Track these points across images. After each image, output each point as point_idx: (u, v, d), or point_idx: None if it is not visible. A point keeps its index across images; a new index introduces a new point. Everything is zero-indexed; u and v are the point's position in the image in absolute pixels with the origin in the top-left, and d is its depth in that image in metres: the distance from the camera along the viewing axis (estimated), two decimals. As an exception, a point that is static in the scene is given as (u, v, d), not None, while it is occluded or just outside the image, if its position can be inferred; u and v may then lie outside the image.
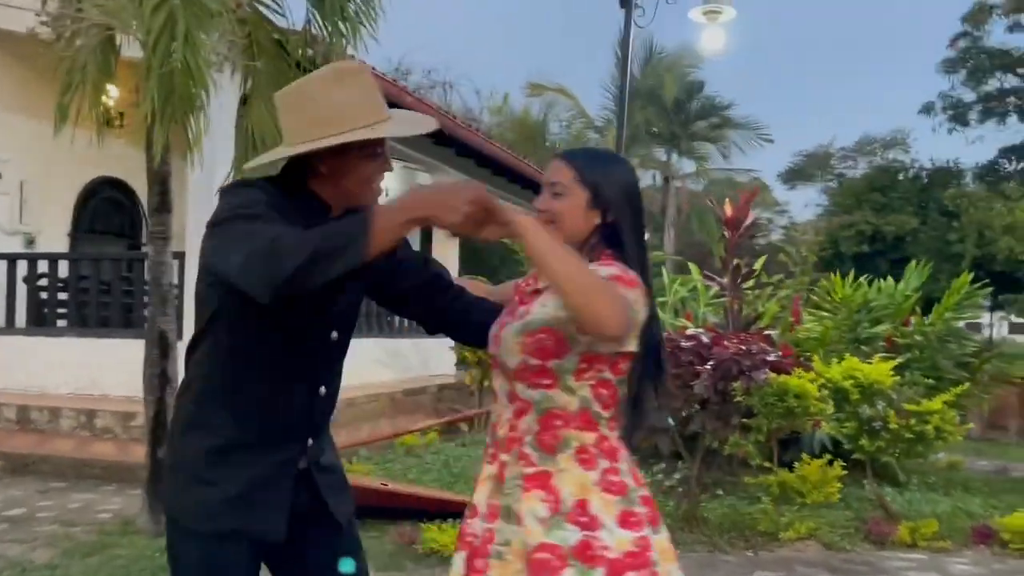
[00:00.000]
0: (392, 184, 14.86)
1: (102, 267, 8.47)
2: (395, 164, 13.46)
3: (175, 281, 8.10)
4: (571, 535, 1.60)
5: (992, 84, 22.25)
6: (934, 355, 6.64)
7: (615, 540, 1.60)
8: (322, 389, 1.86)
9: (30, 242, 9.54)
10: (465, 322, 1.97)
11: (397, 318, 11.45)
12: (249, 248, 1.52)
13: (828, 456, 5.32)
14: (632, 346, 1.68)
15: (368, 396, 9.06)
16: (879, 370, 5.20)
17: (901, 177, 22.09)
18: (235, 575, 1.79)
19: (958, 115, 22.38)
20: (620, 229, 1.75)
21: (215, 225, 1.66)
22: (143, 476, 4.97)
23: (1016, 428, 10.81)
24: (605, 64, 22.32)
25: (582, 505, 1.62)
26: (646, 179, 23.00)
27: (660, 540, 1.67)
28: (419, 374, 11.23)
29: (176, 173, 7.80)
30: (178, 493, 1.79)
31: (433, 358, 11.78)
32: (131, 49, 4.80)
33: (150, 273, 4.94)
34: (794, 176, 34.01)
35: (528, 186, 14.15)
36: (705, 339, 5.25)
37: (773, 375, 4.87)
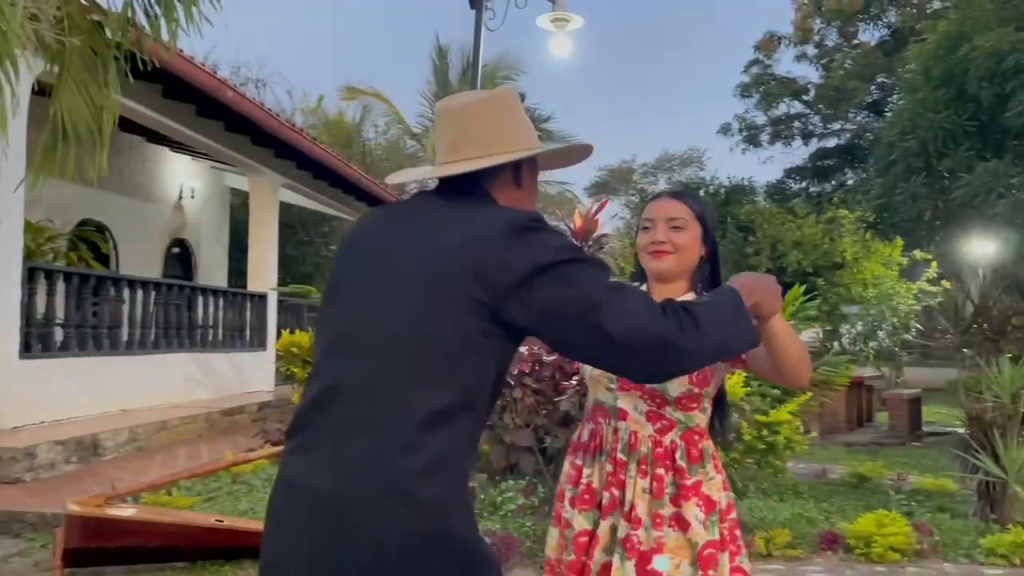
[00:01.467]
0: (198, 184, 13.87)
1: None
2: (204, 164, 12.57)
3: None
4: (721, 529, 1.98)
5: (781, 109, 24.05)
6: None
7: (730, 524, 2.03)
8: None
9: None
10: None
11: (212, 330, 10.59)
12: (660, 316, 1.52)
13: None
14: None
15: (183, 417, 8.27)
16: (730, 382, 5.26)
17: (702, 193, 23.32)
18: None
19: (751, 136, 23.98)
20: (716, 261, 2.12)
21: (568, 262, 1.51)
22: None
23: (818, 431, 11.56)
24: (422, 71, 22.05)
25: (729, 505, 2.04)
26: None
27: None
28: (236, 391, 10.45)
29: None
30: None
31: (250, 374, 11.02)
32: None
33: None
34: (600, 189, 35.28)
35: (350, 190, 13.62)
36: (567, 354, 5.10)
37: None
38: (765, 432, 5.05)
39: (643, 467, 1.99)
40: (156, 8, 4.48)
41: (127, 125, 9.96)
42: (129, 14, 4.58)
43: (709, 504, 1.96)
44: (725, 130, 24.06)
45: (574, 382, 4.80)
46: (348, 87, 21.56)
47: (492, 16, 6.41)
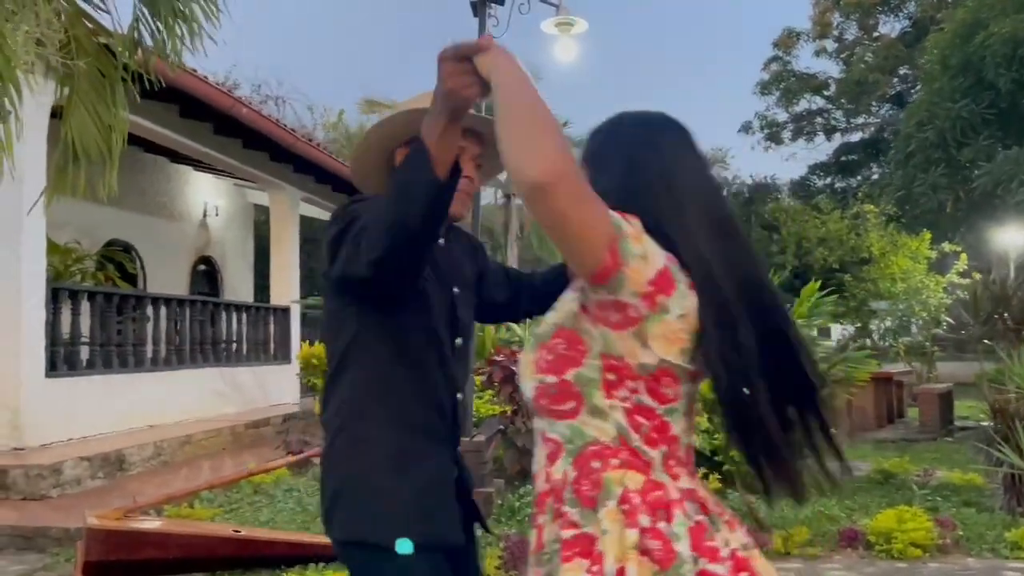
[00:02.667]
0: (222, 202, 14.05)
1: None
2: (227, 182, 12.69)
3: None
4: None
5: (802, 105, 23.90)
6: (788, 363, 6.78)
7: None
8: (460, 396, 1.83)
9: None
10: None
11: (236, 345, 10.73)
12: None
13: (703, 471, 5.28)
14: (665, 351, 1.27)
15: (207, 431, 8.38)
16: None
17: (726, 192, 23.26)
18: None
19: (773, 134, 23.85)
20: None
21: None
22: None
23: (845, 428, 11.41)
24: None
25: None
26: (487, 197, 22.98)
27: None
28: (260, 405, 10.55)
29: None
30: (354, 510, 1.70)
31: (274, 386, 11.12)
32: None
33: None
34: (623, 192, 35.24)
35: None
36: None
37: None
38: (780, 429, 5.00)
39: (534, 512, 1.37)
40: (159, 28, 4.55)
41: (150, 145, 10.14)
42: (135, 36, 4.67)
43: (600, 573, 1.20)
44: (746, 128, 23.94)
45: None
46: (367, 100, 21.73)
47: (496, 23, 6.44)
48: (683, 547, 1.21)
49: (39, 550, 5.18)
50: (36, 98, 5.15)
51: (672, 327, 1.27)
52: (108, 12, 4.63)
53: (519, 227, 20.65)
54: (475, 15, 6.35)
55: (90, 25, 4.62)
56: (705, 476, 5.18)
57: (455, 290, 1.83)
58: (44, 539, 5.23)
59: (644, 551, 1.20)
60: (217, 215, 14.02)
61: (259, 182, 11.89)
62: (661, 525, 1.22)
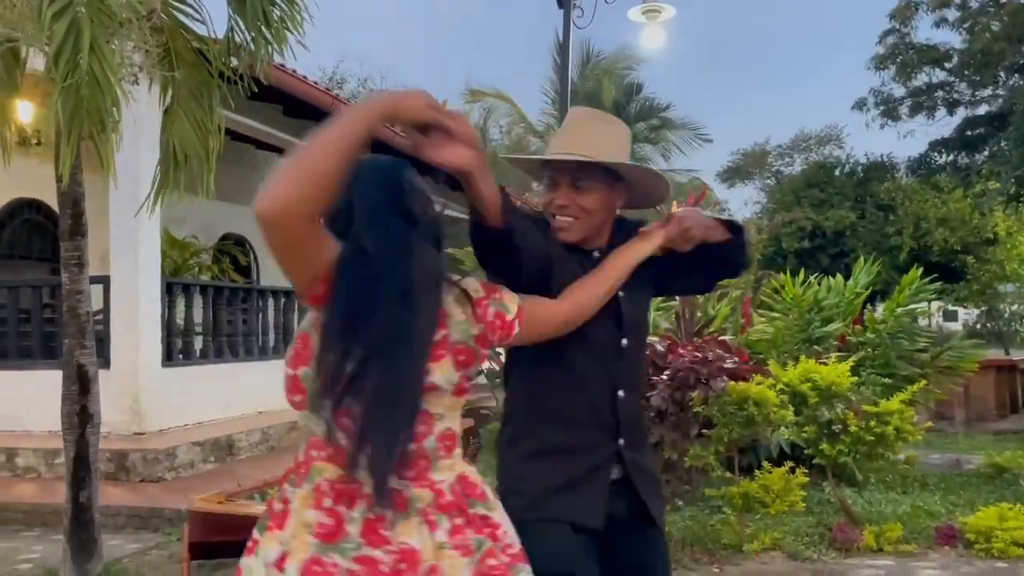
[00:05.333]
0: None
1: (21, 295, 7.98)
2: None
3: (97, 308, 7.74)
4: None
5: (921, 79, 22.65)
6: (887, 352, 6.57)
7: None
8: (620, 393, 1.96)
9: (-58, 271, 8.99)
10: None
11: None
12: None
13: (790, 463, 5.18)
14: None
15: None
16: (836, 372, 5.08)
17: (838, 172, 22.36)
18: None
19: (889, 110, 22.69)
20: None
21: None
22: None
23: (962, 418, 10.90)
24: (543, 69, 22.18)
25: None
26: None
27: None
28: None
29: (99, 192, 7.45)
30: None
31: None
32: (41, 62, 4.45)
33: (65, 302, 4.57)
34: (733, 175, 34.36)
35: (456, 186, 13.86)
36: (660, 347, 5.08)
37: (731, 383, 4.71)
38: (873, 423, 4.84)
39: None
40: (248, 35, 4.76)
41: (261, 144, 10.58)
42: (229, 43, 4.91)
43: None
44: (860, 105, 22.85)
45: (664, 376, 4.78)
46: (472, 90, 21.98)
47: (581, 14, 6.44)
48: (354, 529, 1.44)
49: (154, 529, 5.55)
50: (147, 107, 5.49)
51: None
52: (203, 22, 4.88)
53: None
54: (560, 6, 6.37)
55: (189, 37, 4.88)
56: (792, 470, 5.08)
57: (620, 292, 1.95)
58: (158, 519, 5.59)
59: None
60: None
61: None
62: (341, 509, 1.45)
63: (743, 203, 47.52)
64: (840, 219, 20.20)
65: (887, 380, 5.89)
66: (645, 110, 21.95)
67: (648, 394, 4.84)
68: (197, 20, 4.93)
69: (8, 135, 5.11)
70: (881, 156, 22.21)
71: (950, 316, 37.71)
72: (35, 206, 9.98)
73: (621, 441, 1.95)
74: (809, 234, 20.46)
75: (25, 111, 6.20)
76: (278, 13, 4.83)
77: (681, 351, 4.96)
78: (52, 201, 9.56)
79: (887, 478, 6.51)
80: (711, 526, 5.10)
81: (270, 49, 4.95)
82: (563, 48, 6.27)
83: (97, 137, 3.98)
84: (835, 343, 6.64)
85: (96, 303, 7.78)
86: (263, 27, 4.70)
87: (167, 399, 7.46)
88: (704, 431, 4.92)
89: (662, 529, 2.04)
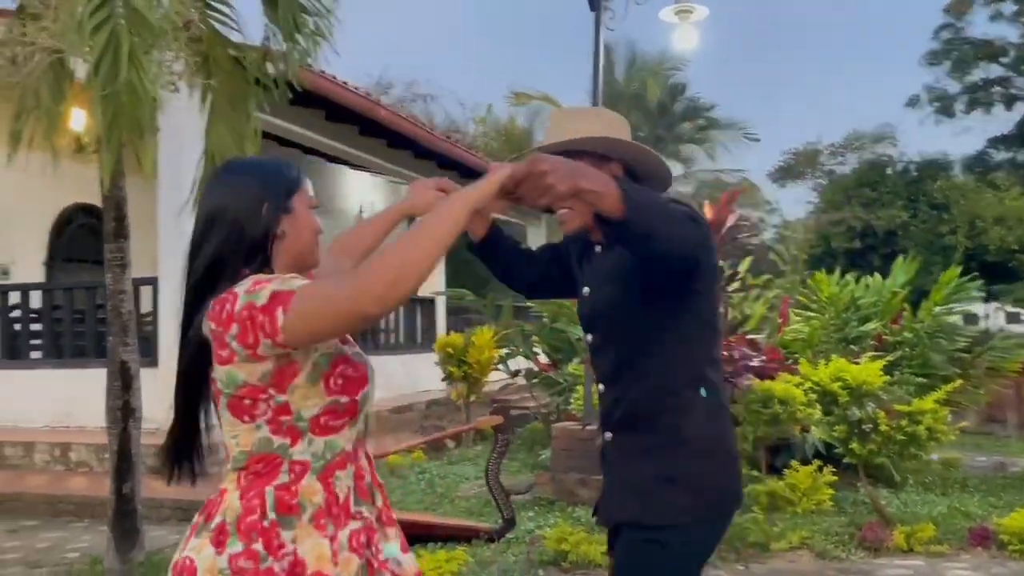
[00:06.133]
0: (376, 199, 14.74)
1: (75, 296, 8.30)
2: (380, 179, 13.28)
3: (148, 308, 8.02)
4: None
5: (977, 74, 22.17)
6: (925, 352, 6.48)
7: None
8: (600, 387, 2.00)
9: (4, 273, 9.38)
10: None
11: (385, 334, 11.29)
12: None
13: (818, 462, 5.16)
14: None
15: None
16: (868, 370, 5.06)
17: (890, 171, 21.92)
18: None
19: (944, 107, 22.28)
20: None
21: None
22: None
23: (1015, 421, 10.64)
24: (588, 70, 22.13)
25: None
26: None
27: None
28: (407, 391, 11.05)
29: (148, 196, 7.71)
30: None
31: (420, 374, 11.60)
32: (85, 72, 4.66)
33: (109, 302, 4.77)
34: (784, 174, 33.83)
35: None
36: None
37: (757, 381, 4.71)
38: (905, 422, 4.80)
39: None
40: (283, 43, 4.91)
41: (306, 149, 10.81)
42: (265, 51, 5.08)
43: None
44: (913, 102, 22.52)
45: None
46: (517, 93, 22.05)
47: (612, 15, 6.48)
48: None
49: (195, 521, 5.74)
50: (190, 113, 5.68)
51: None
52: (239, 31, 5.05)
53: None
54: (592, 9, 6.42)
55: (226, 46, 5.05)
56: (819, 468, 5.05)
57: (585, 289, 2.03)
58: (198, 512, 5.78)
59: None
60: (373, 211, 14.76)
61: (406, 179, 12.42)
62: None
63: (795, 203, 46.67)
64: (892, 218, 19.81)
65: (921, 380, 5.81)
66: (690, 110, 21.84)
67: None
68: (234, 29, 5.11)
69: (59, 142, 5.33)
70: (935, 154, 21.74)
71: (1013, 318, 36.63)
72: (90, 211, 10.35)
73: (607, 435, 1.96)
74: (860, 234, 20.11)
75: (79, 119, 6.45)
76: (311, 21, 4.98)
77: (708, 349, 4.98)
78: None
79: (926, 479, 6.42)
80: (738, 524, 5.10)
81: (305, 56, 5.11)
82: (595, 50, 6.31)
83: (136, 143, 4.16)
84: (872, 343, 6.57)
85: (147, 304, 8.10)
86: (296, 35, 4.84)
87: (213, 397, 7.67)
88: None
89: (633, 530, 1.86)
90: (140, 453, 4.83)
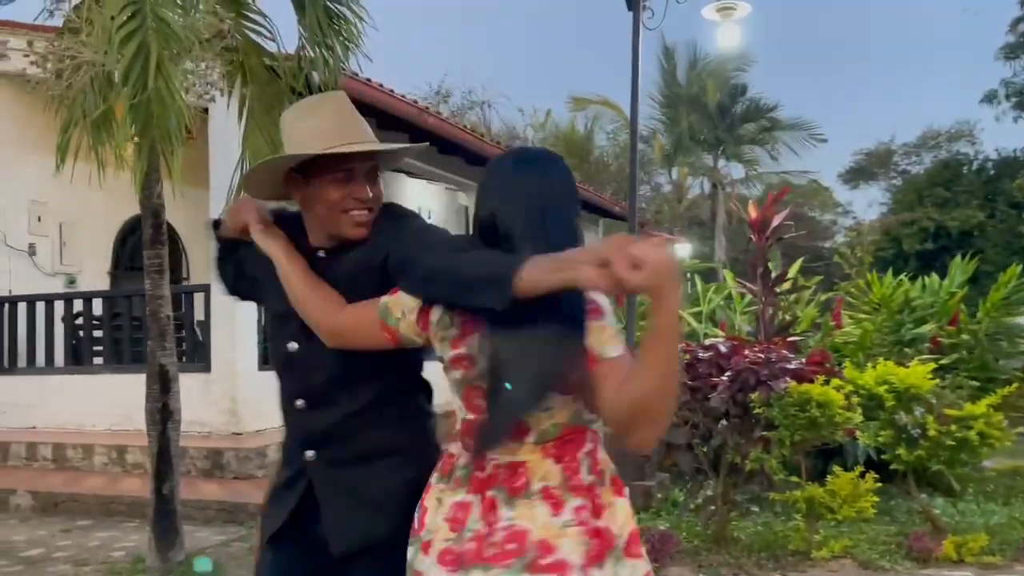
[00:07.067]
0: (434, 206, 14.86)
1: (135, 303, 8.54)
2: (439, 186, 13.38)
3: (200, 315, 8.22)
4: None
5: (1057, 67, 21.25)
6: (984, 355, 6.19)
7: None
8: (298, 402, 1.88)
9: (71, 282, 9.72)
10: None
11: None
12: None
13: (860, 468, 4.97)
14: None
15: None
16: (916, 374, 4.85)
17: (965, 170, 21.16)
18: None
19: (1022, 102, 21.40)
20: None
21: None
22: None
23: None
24: (650, 73, 21.99)
25: None
26: (694, 187, 22.56)
27: None
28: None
29: (202, 204, 7.92)
30: None
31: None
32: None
33: (148, 307, 4.89)
34: (856, 175, 32.99)
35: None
36: (723, 348, 4.98)
37: (794, 384, 4.57)
38: (955, 427, 4.59)
39: None
40: (317, 51, 4.98)
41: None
42: (299, 61, 5.15)
43: None
44: (990, 98, 21.65)
45: (725, 378, 4.69)
46: (575, 98, 22.02)
47: (651, 15, 6.40)
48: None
49: (239, 523, 5.84)
50: (230, 121, 5.80)
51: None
52: (274, 39, 5.13)
53: (726, 216, 20.04)
54: (629, 8, 6.35)
55: (261, 55, 5.14)
56: (861, 475, 4.86)
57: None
58: (243, 513, 5.88)
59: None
60: (430, 217, 14.86)
61: (459, 185, 12.48)
62: None
63: (868, 205, 45.38)
64: (967, 218, 19.11)
65: (974, 383, 5.55)
66: (751, 111, 21.41)
67: (710, 395, 4.77)
68: (268, 39, 5.20)
69: (104, 153, 5.49)
70: (1014, 151, 20.89)
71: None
72: (153, 221, 10.68)
73: (311, 454, 1.96)
74: (932, 235, 19.44)
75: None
76: (343, 31, 5.04)
77: (746, 352, 4.85)
78: (169, 215, 10.23)
79: (987, 488, 6.13)
80: (780, 532, 4.96)
81: (337, 63, 5.17)
82: (633, 49, 6.23)
83: (166, 151, 4.26)
84: (927, 345, 6.31)
85: (199, 312, 8.31)
86: (328, 41, 4.90)
87: (263, 401, 7.81)
88: (768, 433, 4.79)
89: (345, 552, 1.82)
90: (179, 455, 4.93)
